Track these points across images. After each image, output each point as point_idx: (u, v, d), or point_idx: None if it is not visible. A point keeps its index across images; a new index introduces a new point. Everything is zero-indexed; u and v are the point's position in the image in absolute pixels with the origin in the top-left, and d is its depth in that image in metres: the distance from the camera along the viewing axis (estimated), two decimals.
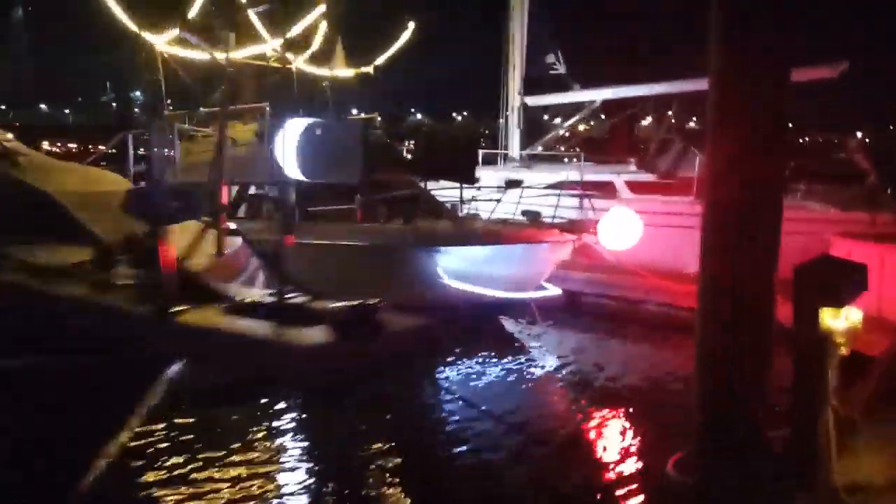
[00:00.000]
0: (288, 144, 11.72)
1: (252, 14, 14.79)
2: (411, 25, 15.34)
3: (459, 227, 10.61)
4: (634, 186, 15.33)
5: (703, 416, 4.88)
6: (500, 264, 10.66)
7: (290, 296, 7.11)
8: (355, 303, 6.65)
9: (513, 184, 16.72)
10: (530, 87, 18.26)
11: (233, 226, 7.37)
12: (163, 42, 13.30)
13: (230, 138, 13.26)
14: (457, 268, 10.63)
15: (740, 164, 4.59)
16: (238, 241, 8.47)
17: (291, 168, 11.78)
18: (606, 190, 15.46)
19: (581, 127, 21.26)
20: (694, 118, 17.52)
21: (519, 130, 18.49)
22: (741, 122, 4.58)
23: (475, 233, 10.54)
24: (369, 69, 15.40)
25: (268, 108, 12.53)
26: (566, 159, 17.77)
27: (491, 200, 12.89)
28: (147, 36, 13.24)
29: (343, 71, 15.35)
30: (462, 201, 13.38)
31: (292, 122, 11.87)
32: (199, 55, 13.33)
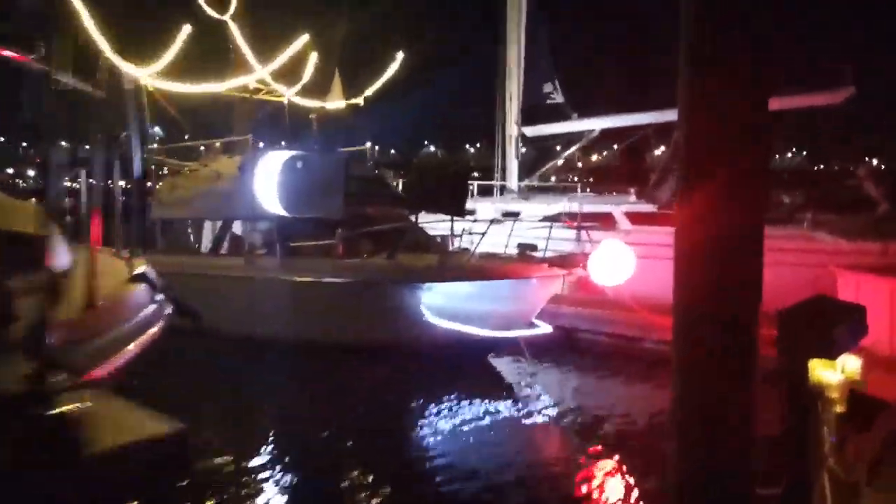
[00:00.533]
0: (268, 178, 11.39)
1: (242, 44, 14.59)
2: (399, 55, 15.07)
3: (444, 261, 10.11)
4: (634, 218, 14.81)
5: (681, 472, 4.30)
6: (486, 301, 10.13)
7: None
8: None
9: (509, 216, 16.28)
10: (528, 116, 17.87)
11: (143, 268, 6.05)
12: (146, 75, 13.04)
13: (214, 172, 12.96)
14: (440, 305, 10.11)
15: (715, 198, 4.07)
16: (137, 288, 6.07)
17: (272, 203, 11.43)
18: (606, 221, 14.94)
19: (593, 157, 20.86)
20: None
21: (517, 161, 18.06)
22: (712, 158, 4.08)
23: (459, 268, 10.03)
24: (359, 100, 15.09)
25: (251, 140, 12.20)
26: (565, 190, 17.28)
27: (478, 234, 12.37)
28: (130, 69, 12.99)
29: (334, 102, 15.05)
30: (453, 234, 12.93)
31: (272, 154, 11.56)
32: (185, 87, 13.07)
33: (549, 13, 17.69)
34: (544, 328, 10.80)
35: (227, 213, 12.43)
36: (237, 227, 12.38)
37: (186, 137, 16.41)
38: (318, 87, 15.53)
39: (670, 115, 15.97)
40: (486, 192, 17.96)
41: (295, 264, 11.13)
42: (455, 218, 13.08)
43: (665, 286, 12.36)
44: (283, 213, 11.08)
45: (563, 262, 10.14)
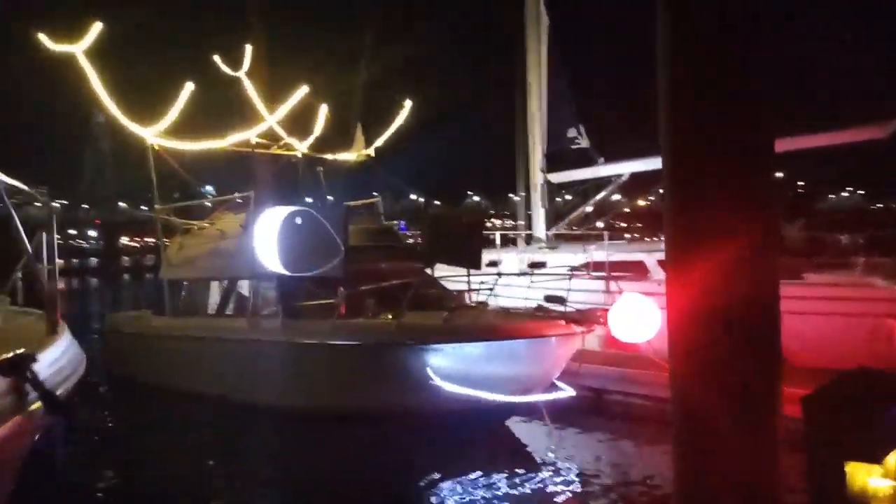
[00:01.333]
0: (268, 236, 10.82)
1: (255, 98, 14.34)
2: (408, 104, 14.59)
3: (451, 320, 9.26)
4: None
5: None
6: (498, 363, 9.21)
7: None
8: None
9: (536, 266, 15.41)
10: (552, 162, 17.15)
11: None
12: (152, 134, 12.80)
13: (218, 230, 12.51)
14: (448, 367, 9.23)
15: (713, 248, 3.22)
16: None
17: (272, 261, 10.83)
18: (638, 270, 13.93)
19: (623, 202, 19.91)
20: None
21: (543, 209, 17.26)
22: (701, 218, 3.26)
23: (467, 327, 9.17)
24: (370, 151, 14.61)
25: (252, 197, 11.72)
26: (594, 238, 16.33)
27: (498, 286, 11.57)
28: (136, 128, 12.79)
29: (344, 155, 14.60)
30: (469, 289, 12.13)
31: (271, 211, 10.99)
32: (188, 145, 12.77)
33: (571, 56, 17.11)
34: (566, 391, 9.80)
35: (230, 273, 11.90)
36: (244, 287, 11.80)
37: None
38: (333, 140, 15.18)
39: None
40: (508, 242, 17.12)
41: (295, 326, 10.45)
42: (472, 271, 12.33)
43: None
44: (283, 271, 10.45)
45: (583, 317, 9.19)
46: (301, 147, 15.08)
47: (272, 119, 12.78)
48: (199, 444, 10.38)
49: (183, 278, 13.00)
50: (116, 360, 14.29)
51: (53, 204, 5.96)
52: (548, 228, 17.25)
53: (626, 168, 16.33)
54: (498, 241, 17.01)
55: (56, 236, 5.75)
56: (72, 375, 4.81)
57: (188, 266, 12.85)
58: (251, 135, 12.45)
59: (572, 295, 13.83)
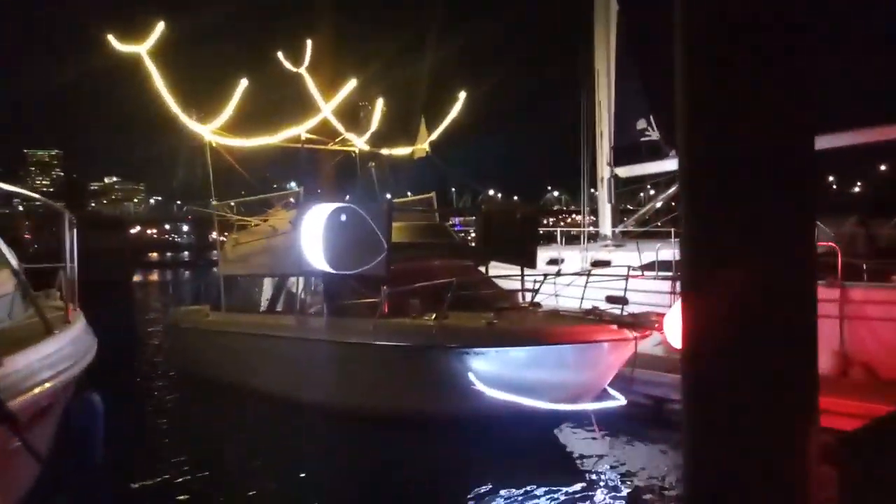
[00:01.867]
0: (314, 232, 10.64)
1: (315, 93, 14.22)
2: (462, 95, 14.12)
3: (498, 322, 8.77)
4: None
5: None
6: (544, 369, 8.67)
7: None
8: None
9: (599, 265, 14.67)
10: (620, 156, 16.32)
11: None
12: (209, 131, 12.87)
13: (270, 227, 12.45)
14: (491, 373, 8.76)
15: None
16: None
17: (317, 258, 10.64)
18: None
19: None
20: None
21: (609, 205, 16.46)
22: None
23: (512, 330, 8.66)
24: (425, 146, 14.24)
25: (301, 192, 11.56)
26: (664, 236, 15.43)
27: (560, 286, 11.01)
28: (194, 125, 12.88)
29: (400, 150, 14.31)
30: (523, 288, 11.61)
31: (318, 207, 10.80)
32: (241, 142, 12.77)
33: (641, 43, 16.20)
34: (618, 399, 9.14)
35: (281, 270, 11.81)
36: (294, 284, 11.69)
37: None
38: (393, 135, 14.93)
39: None
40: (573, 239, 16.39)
41: (339, 324, 10.23)
42: (527, 269, 11.81)
43: None
44: (328, 269, 10.24)
45: (637, 322, 8.51)
46: (359, 143, 14.91)
47: (326, 110, 12.59)
48: (241, 439, 10.35)
49: (238, 274, 13.05)
50: (176, 354, 14.54)
51: (67, 213, 6.22)
52: (614, 225, 16.44)
53: None
54: (559, 239, 16.33)
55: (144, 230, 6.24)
56: (76, 364, 5.03)
57: (243, 262, 12.88)
58: (301, 130, 12.31)
59: (636, 296, 13.13)
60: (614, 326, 8.51)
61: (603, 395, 9.12)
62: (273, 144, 12.65)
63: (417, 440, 9.07)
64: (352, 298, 10.36)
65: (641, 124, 15.96)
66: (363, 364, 9.73)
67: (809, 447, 2.64)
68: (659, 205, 16.55)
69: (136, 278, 60.52)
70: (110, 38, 13.13)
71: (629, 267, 10.68)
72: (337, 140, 14.99)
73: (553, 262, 15.61)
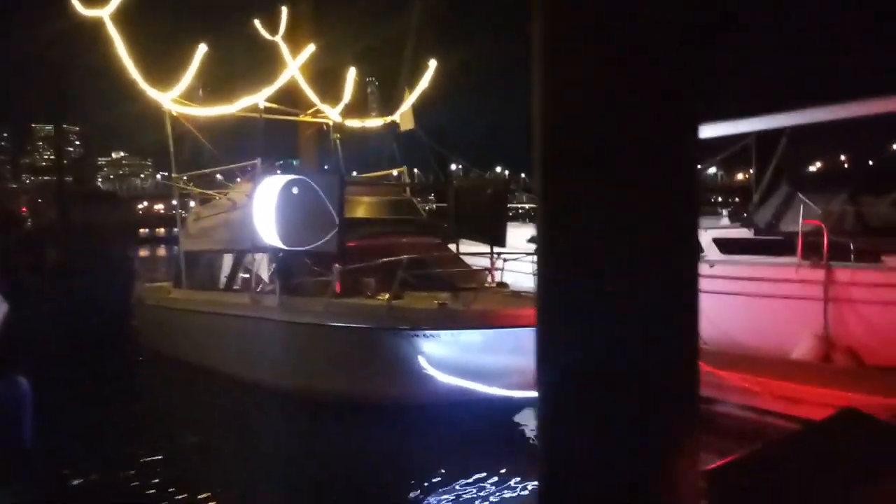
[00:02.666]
0: (266, 206, 10.07)
1: (291, 63, 13.58)
2: (432, 64, 13.43)
3: (453, 303, 8.23)
4: (725, 245, 12.14)
5: None
6: (497, 352, 8.14)
7: None
8: None
9: None
10: None
11: None
12: (169, 100, 12.28)
13: (229, 200, 11.91)
14: (443, 356, 8.24)
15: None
16: None
17: (270, 234, 10.09)
18: None
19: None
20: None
21: None
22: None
23: (465, 312, 8.11)
24: (395, 117, 13.62)
25: (259, 164, 11.00)
26: None
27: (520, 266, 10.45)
28: (154, 94, 12.30)
29: (371, 121, 13.70)
30: (493, 268, 11.07)
31: (269, 180, 10.20)
32: (202, 111, 12.18)
33: None
34: None
35: (236, 245, 11.29)
36: (249, 260, 11.19)
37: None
38: (363, 106, 14.30)
39: (779, 121, 13.23)
40: None
41: (290, 304, 9.72)
42: (495, 248, 11.25)
43: (757, 329, 9.73)
44: (280, 245, 9.71)
45: None
46: (332, 114, 14.29)
47: (292, 69, 11.88)
48: (190, 422, 9.92)
49: (198, 250, 12.54)
50: (143, 332, 14.12)
51: None
52: None
53: None
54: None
55: None
56: None
57: (203, 237, 12.37)
58: (259, 98, 11.69)
59: None
60: None
61: None
62: (232, 114, 12.05)
63: (367, 424, 8.61)
64: (306, 276, 9.84)
65: None
66: (313, 345, 9.27)
67: (687, 450, 2.20)
68: None
69: (143, 253, 60.30)
70: (74, 1, 12.55)
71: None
72: (309, 111, 14.40)
73: (534, 240, 15.05)
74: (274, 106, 12.16)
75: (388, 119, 13.87)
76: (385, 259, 8.87)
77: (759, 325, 10.91)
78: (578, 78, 2.24)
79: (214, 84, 13.18)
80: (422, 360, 8.27)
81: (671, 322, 2.32)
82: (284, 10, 14.58)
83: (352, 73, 13.86)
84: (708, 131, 14.29)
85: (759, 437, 8.44)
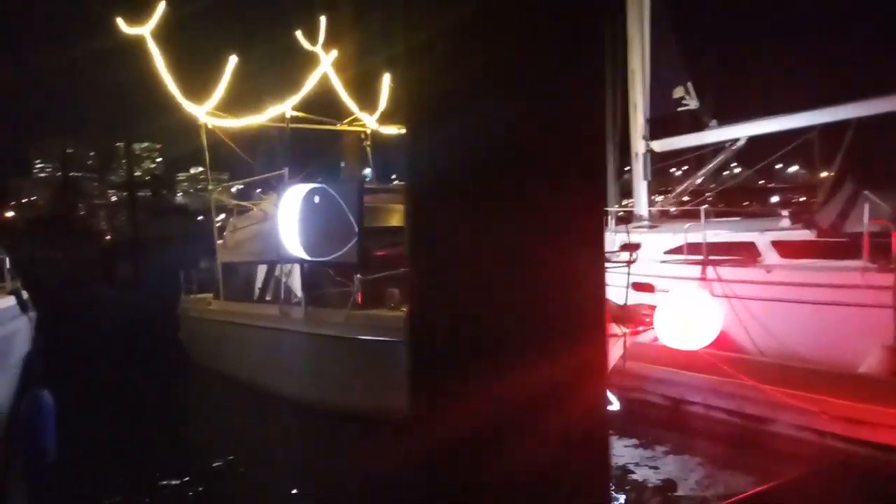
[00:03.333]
0: (289, 216, 9.87)
1: (331, 74, 13.49)
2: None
3: None
4: (784, 248, 11.22)
5: None
6: None
7: None
8: None
9: (629, 249, 13.34)
10: (656, 128, 14.85)
11: None
12: (204, 112, 12.31)
13: (262, 210, 11.81)
14: None
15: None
16: None
17: (293, 244, 9.87)
18: (748, 253, 11.52)
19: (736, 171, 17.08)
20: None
21: (645, 182, 15.01)
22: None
23: None
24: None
25: (286, 174, 10.83)
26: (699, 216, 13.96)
27: None
28: (190, 106, 12.35)
29: (388, 129, 13.43)
30: None
31: (292, 189, 10.00)
32: (234, 122, 12.15)
33: (675, 8, 14.60)
34: (609, 405, 7.97)
35: (266, 256, 11.15)
36: (279, 271, 11.02)
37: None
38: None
39: (843, 113, 12.22)
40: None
41: (314, 315, 9.49)
42: None
43: (818, 341, 8.82)
44: (303, 255, 9.49)
45: (626, 316, 7.33)
46: (370, 122, 14.09)
47: (311, 83, 11.68)
48: (216, 434, 9.79)
49: (233, 262, 12.49)
50: (186, 341, 14.21)
51: None
52: (650, 205, 15.00)
53: (743, 131, 13.71)
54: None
55: None
56: None
57: (238, 249, 12.32)
58: (286, 107, 11.53)
59: (662, 283, 11.81)
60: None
61: None
62: (260, 124, 11.97)
63: (387, 439, 8.22)
64: (330, 286, 9.58)
65: (679, 92, 14.41)
66: (333, 357, 9.01)
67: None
68: (698, 181, 14.95)
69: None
70: (119, 21, 12.79)
71: (630, 253, 9.44)
72: (348, 120, 14.24)
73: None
74: (302, 115, 12.00)
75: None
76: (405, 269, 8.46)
77: (821, 335, 9.99)
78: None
79: (247, 95, 13.18)
80: None
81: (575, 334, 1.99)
82: (323, 20, 14.52)
83: (387, 80, 13.61)
84: (766, 126, 13.38)
85: (816, 463, 7.63)
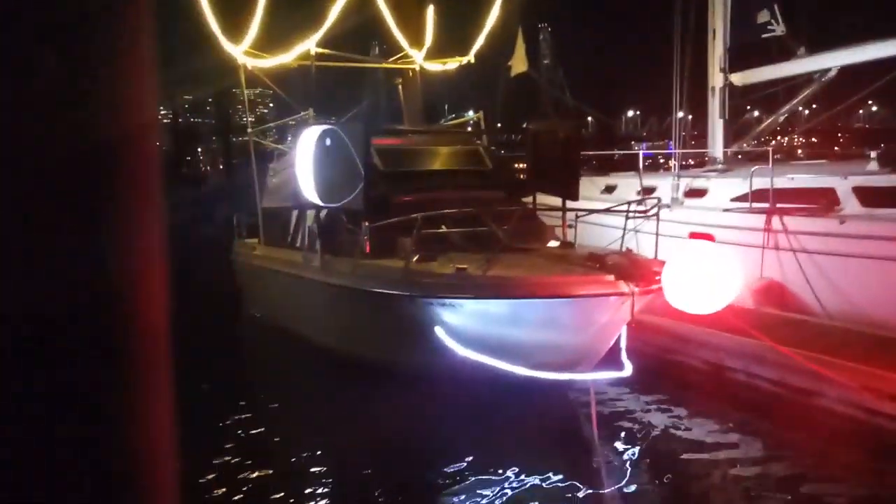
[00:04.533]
0: (304, 160, 9.48)
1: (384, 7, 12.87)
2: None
3: (473, 268, 7.10)
4: (867, 195, 9.75)
5: None
6: (518, 327, 6.97)
7: None
8: None
9: (694, 195, 12.09)
10: (735, 58, 13.29)
11: None
12: (241, 52, 12.01)
13: (294, 154, 11.49)
14: (462, 328, 7.22)
15: None
16: None
17: (309, 189, 9.50)
18: (827, 200, 10.12)
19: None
20: None
21: (721, 121, 13.54)
22: None
23: (482, 279, 6.96)
24: (469, 58, 12.39)
25: (311, 115, 10.41)
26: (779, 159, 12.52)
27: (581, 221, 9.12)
28: (229, 47, 12.08)
29: (433, 64, 12.61)
30: (565, 224, 9.77)
31: (307, 131, 9.56)
32: (266, 62, 11.79)
33: None
34: (625, 369, 7.17)
35: (293, 201, 10.86)
36: (303, 216, 10.77)
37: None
38: (439, 51, 13.20)
39: None
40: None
41: (329, 264, 9.20)
42: (568, 202, 9.89)
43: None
44: (318, 201, 9.13)
45: (630, 272, 6.45)
46: (418, 58, 13.36)
47: (315, 37, 10.97)
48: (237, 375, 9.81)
49: (272, 206, 12.35)
50: (235, 286, 14.37)
51: None
52: (726, 145, 13.54)
53: (834, 60, 11.96)
54: (641, 165, 13.80)
55: None
56: None
57: (275, 194, 12.14)
58: (310, 44, 10.97)
59: (724, 234, 10.75)
60: (610, 277, 6.52)
61: (603, 365, 7.21)
62: (287, 64, 11.54)
63: (391, 392, 7.86)
64: (346, 233, 9.21)
65: (763, 17, 12.71)
66: (341, 307, 8.81)
67: None
68: (781, 118, 13.26)
69: None
70: None
71: (629, 203, 8.46)
72: (397, 57, 13.58)
73: (609, 189, 13.41)
74: (328, 52, 11.44)
75: (519, 63, 12.76)
76: (417, 215, 7.83)
77: (891, 295, 8.68)
78: None
79: (291, 32, 12.73)
80: (439, 331, 7.32)
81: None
82: None
83: (430, 13, 12.78)
84: (862, 53, 11.57)
85: (861, 446, 6.58)
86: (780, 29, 12.53)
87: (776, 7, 12.56)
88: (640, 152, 13.84)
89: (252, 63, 12.08)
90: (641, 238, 12.01)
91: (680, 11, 12.77)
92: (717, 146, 13.67)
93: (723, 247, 6.41)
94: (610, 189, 13.81)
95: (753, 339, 7.88)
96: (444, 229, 8.29)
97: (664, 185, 12.67)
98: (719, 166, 13.31)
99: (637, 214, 8.34)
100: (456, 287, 7.00)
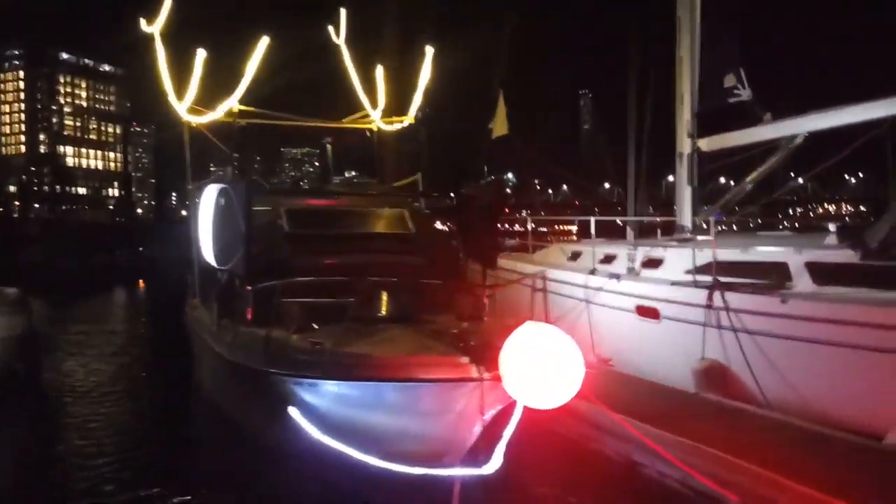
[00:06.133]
0: (203, 218, 9.07)
1: (350, 68, 12.73)
2: (429, 51, 11.51)
3: (332, 343, 6.39)
4: (820, 272, 8.82)
5: None
6: (375, 411, 6.23)
7: None
8: None
9: (651, 266, 11.26)
10: (704, 124, 12.63)
11: None
12: (185, 109, 11.87)
13: None
14: (314, 408, 6.53)
15: None
16: None
17: (206, 248, 9.06)
18: (777, 276, 9.21)
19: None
20: None
21: (689, 189, 12.78)
22: None
23: (334, 356, 6.25)
24: (408, 118, 12.01)
25: (230, 172, 10.07)
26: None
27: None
28: (175, 104, 11.97)
29: (383, 123, 12.27)
30: (485, 294, 9.06)
31: (207, 188, 9.18)
32: (198, 119, 11.61)
33: None
34: (491, 464, 6.30)
35: (203, 261, 10.48)
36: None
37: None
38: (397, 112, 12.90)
39: None
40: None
41: (221, 329, 8.66)
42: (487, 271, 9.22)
43: (842, 395, 6.49)
44: (212, 262, 8.69)
45: (477, 357, 5.67)
46: (375, 116, 13.06)
47: (248, 78, 10.73)
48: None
49: (203, 263, 11.96)
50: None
51: None
52: (694, 213, 12.74)
53: (802, 126, 11.18)
54: (593, 230, 13.07)
55: None
56: None
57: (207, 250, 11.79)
58: (232, 101, 10.71)
59: (671, 309, 9.93)
60: (464, 359, 5.77)
61: (467, 460, 6.35)
62: (219, 119, 11.31)
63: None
64: (237, 297, 8.70)
65: (729, 81, 12.06)
66: (222, 375, 8.24)
67: None
68: (749, 187, 12.38)
69: None
70: (142, 21, 12.74)
71: (525, 275, 7.75)
72: (356, 117, 13.36)
73: (575, 256, 12.66)
74: (250, 109, 11.17)
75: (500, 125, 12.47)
76: (276, 282, 7.28)
77: (845, 389, 7.71)
78: None
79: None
80: (292, 410, 6.64)
81: None
82: (343, 13, 13.78)
83: (380, 72, 12.53)
84: (818, 121, 10.79)
85: None
86: (745, 94, 11.85)
87: (742, 71, 11.92)
88: (592, 218, 13.11)
89: (195, 120, 11.93)
90: (594, 310, 11.25)
91: (636, 74, 12.24)
92: (684, 213, 12.87)
93: (554, 331, 5.41)
94: (575, 256, 13.06)
95: (668, 433, 6.98)
96: (333, 299, 7.65)
97: (622, 254, 11.86)
98: (687, 235, 12.49)
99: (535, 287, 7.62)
100: (302, 364, 6.34)
